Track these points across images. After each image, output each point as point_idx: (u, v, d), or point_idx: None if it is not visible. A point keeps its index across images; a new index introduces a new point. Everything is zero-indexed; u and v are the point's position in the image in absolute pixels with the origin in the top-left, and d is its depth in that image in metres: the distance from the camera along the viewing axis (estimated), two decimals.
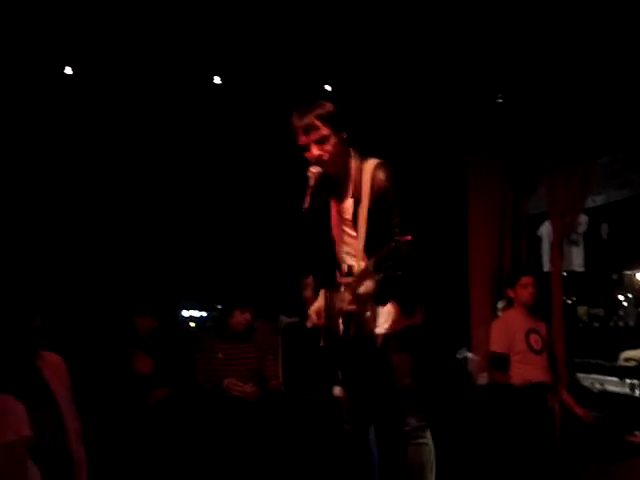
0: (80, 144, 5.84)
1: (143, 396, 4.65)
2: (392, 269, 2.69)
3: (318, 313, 3.19)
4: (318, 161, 3.04)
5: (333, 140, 3.04)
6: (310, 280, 5.50)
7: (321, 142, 3.03)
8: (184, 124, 6.01)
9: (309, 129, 3.02)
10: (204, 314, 7.01)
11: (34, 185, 5.67)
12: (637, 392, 5.64)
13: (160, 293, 5.39)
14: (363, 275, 2.93)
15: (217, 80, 5.52)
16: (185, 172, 6.30)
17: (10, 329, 2.80)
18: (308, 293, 5.50)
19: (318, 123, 3.01)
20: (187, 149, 6.21)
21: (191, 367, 4.90)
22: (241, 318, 4.83)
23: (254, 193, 6.36)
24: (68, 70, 5.25)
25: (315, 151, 3.03)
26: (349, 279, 3.07)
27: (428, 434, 3.21)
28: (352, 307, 3.05)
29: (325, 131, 3.02)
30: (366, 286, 2.96)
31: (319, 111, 3.04)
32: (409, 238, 2.66)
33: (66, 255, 5.78)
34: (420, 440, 3.18)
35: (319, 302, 3.22)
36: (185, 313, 6.97)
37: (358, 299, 3.02)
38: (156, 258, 6.25)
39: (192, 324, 6.97)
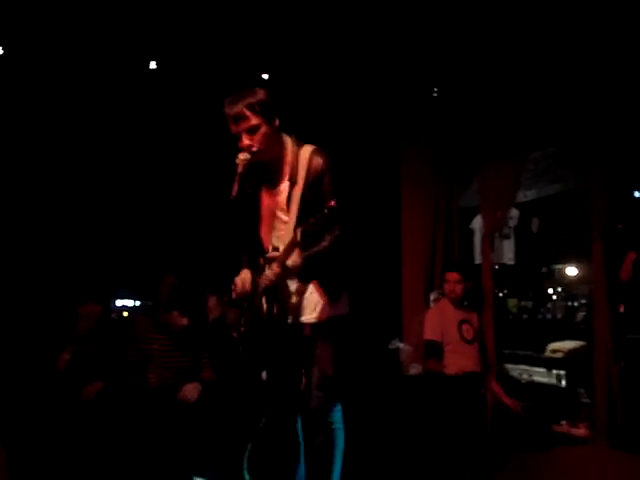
0: (11, 129, 5.69)
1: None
2: (321, 236, 2.77)
3: (244, 282, 3.17)
4: (248, 149, 3.01)
5: (263, 129, 3.00)
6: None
7: (251, 132, 2.99)
8: (115, 111, 5.90)
9: (238, 119, 2.98)
10: (138, 303, 6.91)
11: None
12: (563, 383, 5.79)
13: (94, 282, 5.27)
14: (292, 246, 2.94)
15: (153, 65, 5.44)
16: (121, 161, 6.19)
17: None
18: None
19: (248, 113, 2.97)
20: (120, 137, 6.10)
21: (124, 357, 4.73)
22: (178, 321, 4.72)
23: (185, 182, 6.30)
24: None
25: (245, 141, 3.00)
26: (276, 253, 3.05)
27: (341, 419, 3.29)
28: (276, 279, 3.04)
29: (255, 121, 2.98)
30: (294, 260, 2.97)
31: (249, 100, 2.98)
32: (333, 203, 2.75)
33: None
34: (334, 425, 3.26)
35: (244, 274, 3.20)
36: (118, 302, 6.86)
37: (285, 271, 3.02)
38: (90, 247, 6.14)
39: (125, 313, 6.86)
